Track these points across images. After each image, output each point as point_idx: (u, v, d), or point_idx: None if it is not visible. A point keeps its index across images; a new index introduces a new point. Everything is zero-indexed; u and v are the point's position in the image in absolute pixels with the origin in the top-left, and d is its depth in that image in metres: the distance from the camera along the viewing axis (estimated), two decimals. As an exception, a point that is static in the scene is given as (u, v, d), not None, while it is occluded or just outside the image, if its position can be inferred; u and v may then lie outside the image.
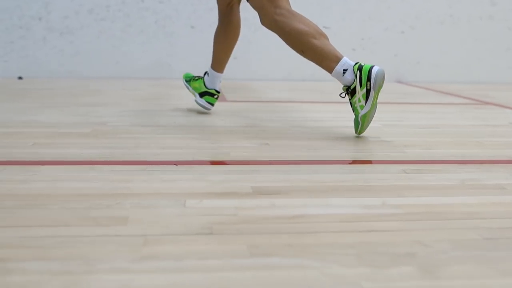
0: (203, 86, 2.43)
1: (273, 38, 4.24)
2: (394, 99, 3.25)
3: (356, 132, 1.98)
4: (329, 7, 4.29)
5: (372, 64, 1.87)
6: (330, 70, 1.93)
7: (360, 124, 1.93)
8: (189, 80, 2.53)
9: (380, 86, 1.85)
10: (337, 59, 1.91)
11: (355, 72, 1.87)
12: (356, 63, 1.89)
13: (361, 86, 1.85)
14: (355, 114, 1.93)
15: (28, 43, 4.04)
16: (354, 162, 1.61)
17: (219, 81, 2.43)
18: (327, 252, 0.93)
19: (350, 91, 1.89)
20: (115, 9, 4.09)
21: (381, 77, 1.84)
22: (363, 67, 1.85)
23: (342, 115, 2.48)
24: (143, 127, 2.06)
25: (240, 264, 0.88)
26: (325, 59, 1.92)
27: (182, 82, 3.74)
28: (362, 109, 1.88)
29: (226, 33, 2.35)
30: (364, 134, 2.03)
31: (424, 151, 1.77)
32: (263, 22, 2.06)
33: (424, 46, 4.44)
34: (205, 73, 2.46)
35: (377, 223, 1.08)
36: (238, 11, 2.36)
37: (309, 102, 2.99)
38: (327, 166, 1.53)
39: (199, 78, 2.47)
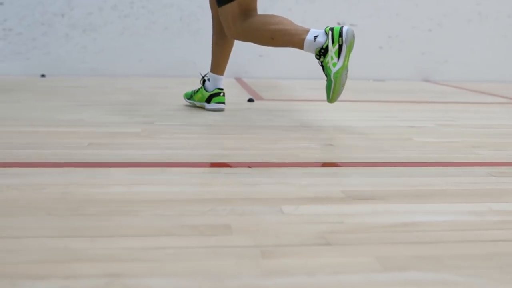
0: (206, 92, 2.40)
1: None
2: (432, 98, 3.17)
3: (328, 99, 1.96)
4: (356, 4, 4.21)
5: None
6: (301, 42, 1.95)
7: (333, 85, 1.91)
8: (190, 96, 2.50)
9: (352, 43, 1.91)
10: (305, 30, 1.97)
11: (327, 32, 1.92)
12: (327, 27, 1.94)
13: (333, 43, 1.90)
14: (327, 76, 1.93)
15: (50, 40, 3.95)
16: (433, 164, 1.52)
17: (221, 83, 2.41)
18: (466, 265, 0.85)
19: (322, 51, 1.92)
20: (139, 6, 4.00)
21: (352, 34, 1.91)
22: (334, 27, 1.92)
23: (390, 114, 2.40)
24: (194, 127, 1.98)
25: (378, 279, 0.80)
26: (294, 35, 1.97)
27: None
28: (334, 67, 1.90)
29: (222, 37, 2.36)
30: (426, 134, 1.95)
31: (496, 152, 1.69)
32: (231, 32, 2.10)
33: (452, 44, 4.36)
34: (203, 81, 2.43)
35: (498, 232, 1.00)
36: None
37: (346, 101, 2.91)
38: (409, 169, 1.45)
39: (198, 89, 2.44)
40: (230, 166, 1.42)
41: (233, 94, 3.01)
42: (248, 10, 2.07)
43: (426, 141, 1.83)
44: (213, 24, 2.38)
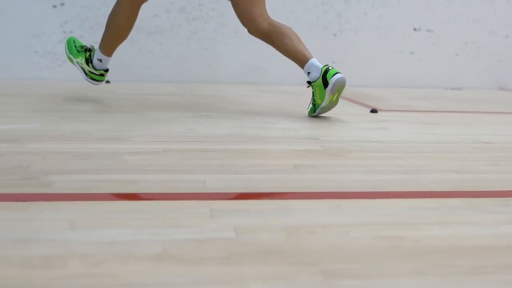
0: (315, 76, 2.18)
1: (375, 41, 3.93)
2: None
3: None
4: (433, 8, 4.00)
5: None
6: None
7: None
8: (314, 108, 2.23)
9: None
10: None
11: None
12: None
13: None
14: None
15: (113, 44, 3.66)
16: None
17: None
18: None
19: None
20: (209, 8, 3.74)
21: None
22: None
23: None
24: (373, 144, 1.73)
25: None
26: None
27: (294, 89, 3.41)
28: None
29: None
30: None
31: None
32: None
33: (530, 51, 4.17)
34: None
35: None
36: None
37: (476, 112, 2.68)
38: None
39: (313, 98, 2.22)
40: (487, 196, 1.18)
41: (340, 104, 2.77)
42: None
43: None
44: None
